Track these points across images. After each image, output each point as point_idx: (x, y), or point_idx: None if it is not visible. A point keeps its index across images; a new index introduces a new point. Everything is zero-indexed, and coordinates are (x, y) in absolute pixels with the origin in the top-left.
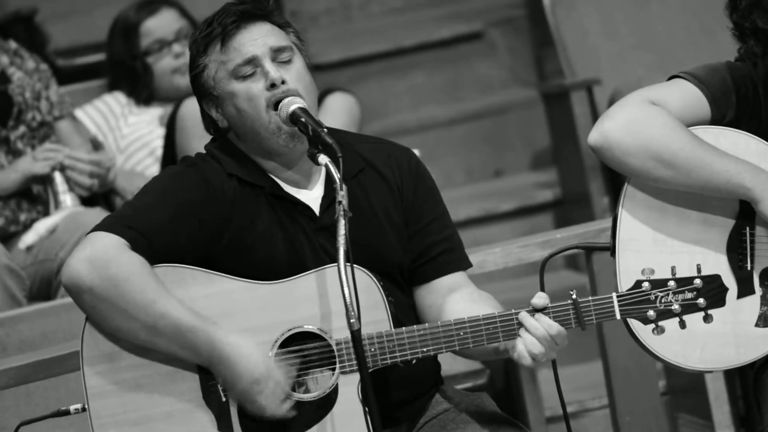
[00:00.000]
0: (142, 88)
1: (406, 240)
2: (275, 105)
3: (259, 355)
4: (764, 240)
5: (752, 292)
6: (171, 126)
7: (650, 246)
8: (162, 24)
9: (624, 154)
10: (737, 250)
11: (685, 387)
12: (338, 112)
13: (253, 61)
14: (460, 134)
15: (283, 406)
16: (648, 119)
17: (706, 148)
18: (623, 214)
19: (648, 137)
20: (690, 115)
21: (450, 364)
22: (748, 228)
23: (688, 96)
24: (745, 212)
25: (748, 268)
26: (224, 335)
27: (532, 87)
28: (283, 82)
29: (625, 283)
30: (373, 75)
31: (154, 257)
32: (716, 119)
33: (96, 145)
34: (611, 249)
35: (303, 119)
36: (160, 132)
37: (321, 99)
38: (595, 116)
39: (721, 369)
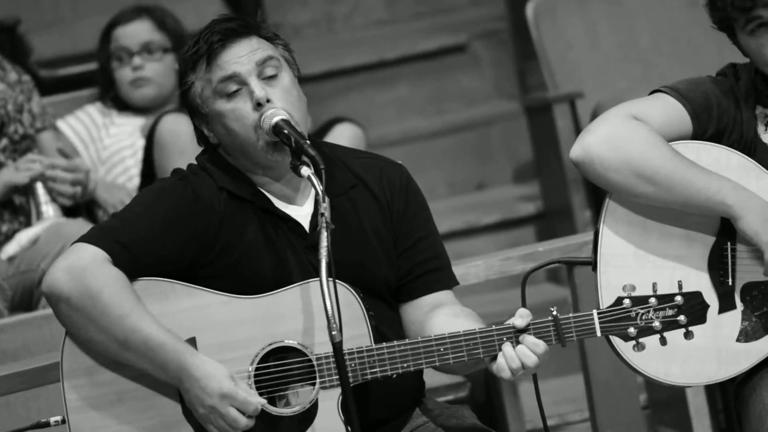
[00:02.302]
0: (107, 94)
1: (395, 258)
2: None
3: (224, 371)
4: (745, 256)
5: (733, 307)
6: (149, 142)
7: (632, 261)
8: (130, 33)
9: (605, 169)
10: (718, 266)
11: (666, 400)
12: (344, 143)
13: (235, 78)
14: (443, 147)
15: (252, 418)
16: (630, 134)
17: (688, 164)
18: (604, 230)
19: (629, 153)
20: (672, 130)
21: (431, 376)
22: (729, 243)
23: (669, 110)
24: (726, 228)
25: (730, 284)
26: (192, 354)
27: (515, 100)
28: (268, 101)
29: (606, 299)
30: (356, 87)
31: (136, 271)
32: (698, 134)
33: (65, 156)
34: (593, 264)
35: (285, 131)
36: (142, 143)
37: (329, 128)
38: (577, 129)
39: (702, 384)
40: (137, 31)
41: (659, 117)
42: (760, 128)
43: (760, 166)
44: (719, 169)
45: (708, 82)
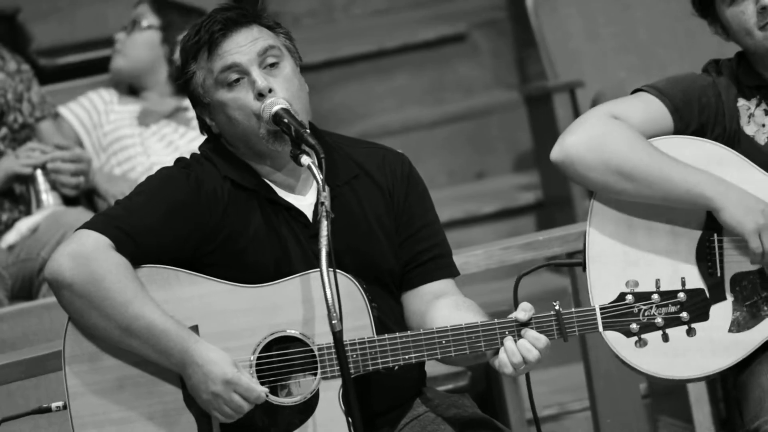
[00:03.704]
0: None
1: (397, 246)
2: None
3: (227, 358)
4: (731, 246)
5: (724, 298)
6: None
7: (620, 259)
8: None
9: (585, 169)
10: (706, 258)
11: (666, 390)
12: None
13: (236, 68)
14: (442, 136)
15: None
16: (607, 133)
17: (666, 160)
18: (591, 230)
19: (608, 151)
20: (653, 127)
21: (431, 366)
22: (715, 236)
23: (650, 109)
24: (711, 221)
25: (718, 275)
26: (196, 340)
27: (515, 89)
28: (270, 91)
29: (603, 295)
30: (355, 76)
31: (139, 258)
32: (680, 130)
33: (63, 149)
34: (583, 264)
35: (285, 120)
36: (142, 131)
37: None
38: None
39: (696, 376)
40: (137, 8)
41: (639, 115)
42: (743, 120)
43: (743, 158)
44: (701, 162)
45: (689, 79)
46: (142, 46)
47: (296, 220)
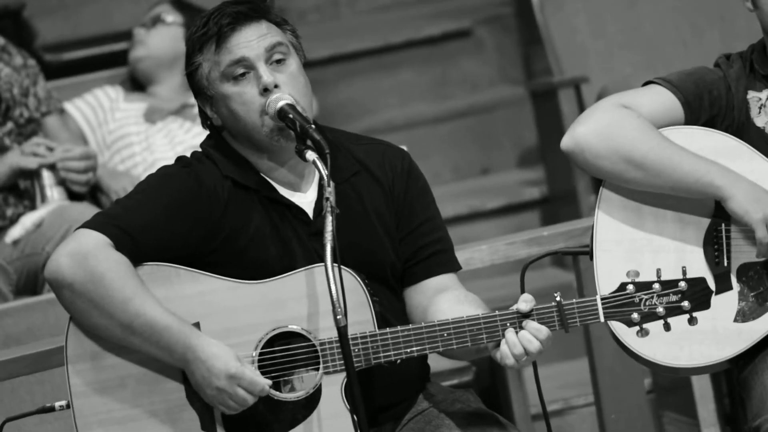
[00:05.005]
0: None
1: (399, 242)
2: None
3: (230, 352)
4: (739, 236)
5: (730, 288)
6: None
7: (628, 247)
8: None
9: (595, 157)
10: (714, 247)
11: (670, 385)
12: None
13: (244, 62)
14: (447, 132)
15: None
16: (618, 122)
17: (676, 149)
18: (600, 217)
19: (618, 139)
20: (663, 119)
21: (436, 360)
22: (723, 225)
23: (661, 100)
24: (719, 209)
25: (725, 265)
26: (198, 336)
27: (520, 85)
28: (276, 86)
29: (605, 286)
30: (360, 72)
31: (139, 256)
32: (690, 121)
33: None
34: (590, 253)
35: (291, 115)
36: (147, 127)
37: None
38: None
39: (700, 365)
40: (156, 7)
41: (650, 106)
42: (753, 112)
43: (752, 149)
44: (712, 153)
45: (700, 72)
46: (166, 39)
47: (297, 218)
